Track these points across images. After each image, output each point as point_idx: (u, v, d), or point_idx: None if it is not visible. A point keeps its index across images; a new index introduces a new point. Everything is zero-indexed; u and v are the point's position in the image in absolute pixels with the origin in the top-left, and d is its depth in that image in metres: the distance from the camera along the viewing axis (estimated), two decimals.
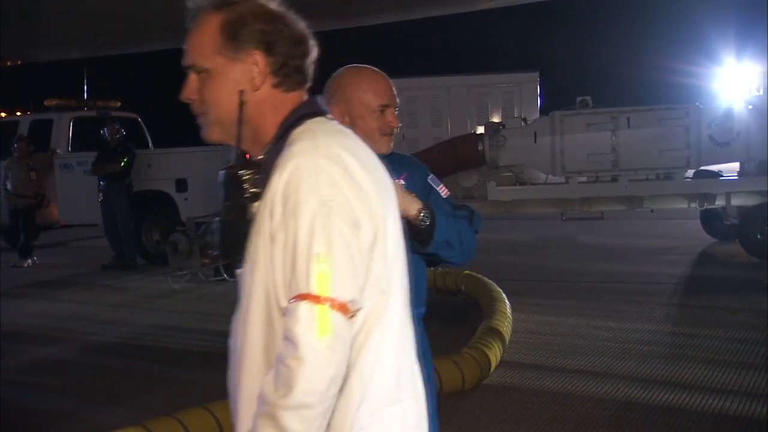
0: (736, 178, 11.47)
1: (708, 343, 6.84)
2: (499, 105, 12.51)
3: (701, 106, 11.07)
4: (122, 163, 12.13)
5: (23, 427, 5.48)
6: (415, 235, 2.57)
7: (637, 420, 5.16)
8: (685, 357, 6.45)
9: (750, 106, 11.08)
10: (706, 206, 11.44)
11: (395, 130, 2.62)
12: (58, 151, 13.58)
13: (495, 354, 6.07)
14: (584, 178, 11.38)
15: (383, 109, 2.58)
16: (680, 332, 7.33)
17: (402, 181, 2.63)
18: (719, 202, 11.16)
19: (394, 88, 2.62)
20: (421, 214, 2.54)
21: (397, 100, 2.64)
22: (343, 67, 2.64)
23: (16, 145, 12.92)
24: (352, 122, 2.54)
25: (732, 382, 5.76)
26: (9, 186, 12.79)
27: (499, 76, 12.91)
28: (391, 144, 2.64)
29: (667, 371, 6.09)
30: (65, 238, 16.26)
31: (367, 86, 2.58)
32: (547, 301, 8.78)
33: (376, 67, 2.69)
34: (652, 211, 11.86)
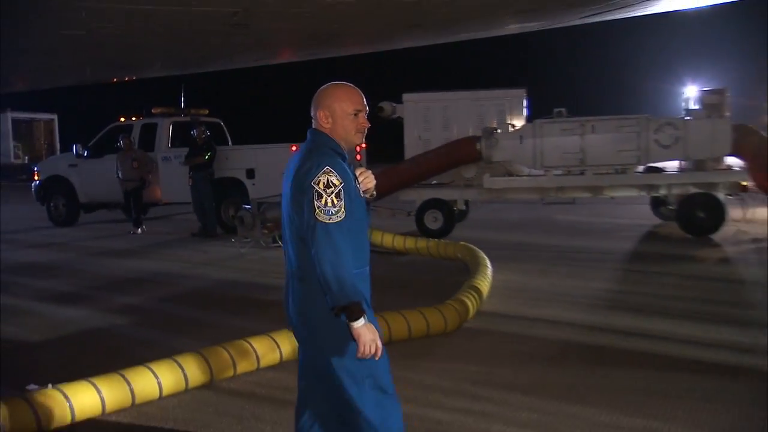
0: (677, 172, 11.31)
1: (640, 299, 6.79)
2: (494, 114, 12.43)
3: (650, 117, 10.87)
4: (206, 157, 12.31)
5: (113, 348, 5.66)
6: (368, 203, 2.79)
7: (575, 355, 5.14)
8: (621, 308, 6.42)
9: (688, 118, 10.88)
10: (652, 194, 11.38)
11: (365, 129, 2.75)
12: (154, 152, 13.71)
13: (473, 304, 6.09)
14: (559, 172, 11.28)
15: (357, 113, 2.70)
16: (618, 290, 7.28)
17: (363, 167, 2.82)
18: (662, 191, 11.02)
19: (364, 99, 2.73)
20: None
21: (367, 107, 2.75)
22: (327, 84, 2.77)
23: (121, 142, 13.16)
24: (334, 122, 2.68)
25: (655, 328, 5.71)
26: (120, 174, 13.06)
27: (494, 91, 12.81)
28: (363, 138, 2.76)
29: (607, 319, 6.05)
30: (169, 212, 16.57)
31: (345, 96, 2.70)
32: (524, 266, 8.74)
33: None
34: (612, 197, 11.73)
